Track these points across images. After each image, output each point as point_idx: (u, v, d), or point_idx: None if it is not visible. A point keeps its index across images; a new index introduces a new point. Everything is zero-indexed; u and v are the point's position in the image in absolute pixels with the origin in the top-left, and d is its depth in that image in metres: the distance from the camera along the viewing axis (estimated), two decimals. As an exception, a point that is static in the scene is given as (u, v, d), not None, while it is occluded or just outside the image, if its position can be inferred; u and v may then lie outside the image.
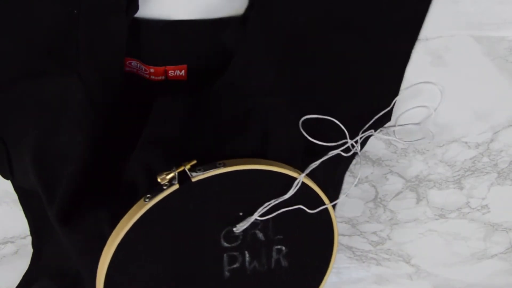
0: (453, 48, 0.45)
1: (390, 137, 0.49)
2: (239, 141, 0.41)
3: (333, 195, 0.49)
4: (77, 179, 0.40)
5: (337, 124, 0.44)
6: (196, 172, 0.37)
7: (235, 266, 0.42)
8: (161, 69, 0.44)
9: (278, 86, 0.43)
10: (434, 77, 0.47)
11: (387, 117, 0.47)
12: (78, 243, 0.41)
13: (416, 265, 0.62)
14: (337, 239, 0.45)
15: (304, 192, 0.42)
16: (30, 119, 0.40)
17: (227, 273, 0.42)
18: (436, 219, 0.57)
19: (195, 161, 0.38)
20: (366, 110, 0.46)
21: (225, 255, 0.41)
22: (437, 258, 0.61)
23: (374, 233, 0.58)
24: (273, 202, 0.40)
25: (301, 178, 0.41)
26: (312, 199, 0.42)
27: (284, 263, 0.43)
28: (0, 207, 0.50)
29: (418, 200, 0.56)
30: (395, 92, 0.46)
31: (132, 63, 0.43)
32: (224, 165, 0.38)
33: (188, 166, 0.37)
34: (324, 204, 0.43)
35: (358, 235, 0.59)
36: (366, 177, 0.54)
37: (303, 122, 0.43)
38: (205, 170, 0.37)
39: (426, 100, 0.48)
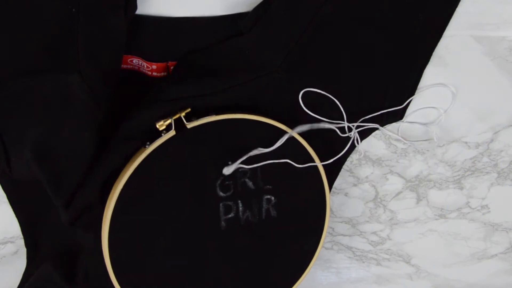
0: (453, 48, 0.45)
1: (391, 133, 0.49)
2: (238, 105, 0.43)
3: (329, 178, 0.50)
4: (82, 173, 0.42)
5: (347, 107, 0.45)
6: (191, 120, 0.40)
7: (230, 215, 0.44)
8: (163, 64, 0.44)
9: (288, 64, 0.43)
10: (434, 77, 0.47)
11: (399, 115, 0.47)
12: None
13: (416, 265, 0.62)
14: (329, 201, 0.47)
15: (294, 148, 0.44)
16: (31, 115, 0.40)
17: (223, 223, 0.44)
18: (436, 219, 0.57)
19: (189, 109, 0.41)
20: (379, 105, 0.46)
21: (221, 204, 0.44)
22: (437, 258, 0.61)
23: (374, 233, 0.58)
24: (256, 152, 0.42)
25: (288, 135, 0.43)
26: (301, 156, 0.44)
27: (273, 213, 0.45)
28: (0, 207, 0.50)
29: (418, 200, 0.56)
30: (411, 92, 0.46)
31: (134, 61, 0.44)
32: (217, 114, 0.41)
33: (183, 114, 0.40)
34: (314, 161, 0.45)
35: (358, 235, 0.59)
36: (366, 177, 0.54)
37: (309, 103, 0.44)
38: (198, 118, 0.41)
39: (425, 100, 0.48)
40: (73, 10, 0.38)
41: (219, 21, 0.43)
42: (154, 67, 0.44)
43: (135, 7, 0.40)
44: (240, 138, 0.42)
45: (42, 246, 0.50)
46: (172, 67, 0.44)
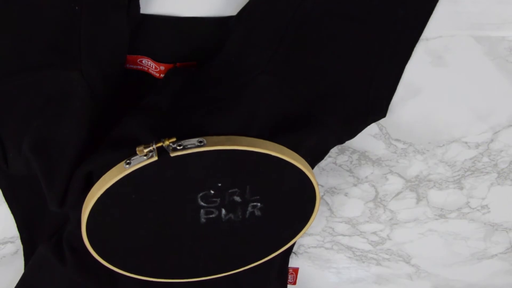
0: (453, 48, 0.45)
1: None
2: (226, 117, 0.41)
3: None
4: (74, 168, 0.41)
5: (333, 105, 0.44)
6: (176, 148, 0.38)
7: (211, 216, 0.44)
8: (171, 66, 0.44)
9: (273, 66, 0.42)
10: (434, 77, 0.47)
11: (382, 112, 0.47)
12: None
13: (416, 265, 0.62)
14: (318, 200, 0.45)
15: (289, 171, 0.42)
16: (31, 110, 0.40)
17: (203, 220, 0.44)
18: (436, 219, 0.57)
19: (174, 139, 0.38)
20: (363, 102, 0.45)
21: (202, 210, 0.43)
22: (437, 258, 0.61)
23: (374, 233, 0.58)
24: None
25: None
26: (293, 171, 0.43)
27: (257, 213, 0.45)
28: (0, 207, 0.50)
29: (418, 200, 0.56)
30: (393, 88, 0.46)
31: (143, 61, 0.44)
32: (204, 144, 0.38)
33: (166, 143, 0.38)
34: (307, 176, 0.43)
35: (358, 235, 0.59)
36: (366, 177, 0.54)
37: (296, 98, 0.43)
38: (184, 147, 0.38)
39: (425, 100, 0.48)
40: (76, 8, 0.38)
41: (228, 21, 0.43)
42: (162, 68, 0.44)
43: (138, 7, 0.40)
44: (228, 166, 0.41)
45: (38, 241, 0.51)
46: (163, 75, 0.44)
